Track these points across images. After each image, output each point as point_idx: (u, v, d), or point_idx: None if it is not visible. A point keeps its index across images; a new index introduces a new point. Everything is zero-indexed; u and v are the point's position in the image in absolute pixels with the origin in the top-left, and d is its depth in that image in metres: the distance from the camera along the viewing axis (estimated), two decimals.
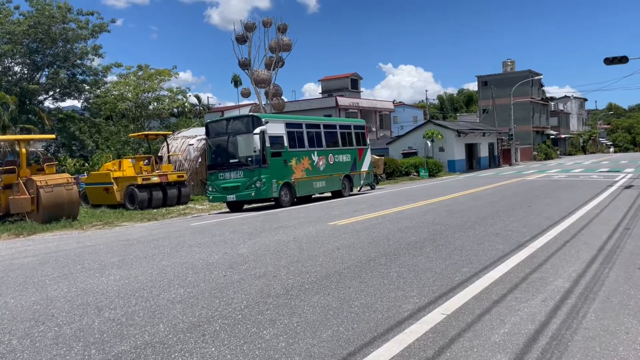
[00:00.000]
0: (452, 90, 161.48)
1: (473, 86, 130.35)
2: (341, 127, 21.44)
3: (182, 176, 20.94)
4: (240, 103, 58.39)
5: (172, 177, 20.33)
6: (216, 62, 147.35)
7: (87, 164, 29.82)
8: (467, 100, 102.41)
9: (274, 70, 29.51)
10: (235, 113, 47.47)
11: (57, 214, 14.89)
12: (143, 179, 19.29)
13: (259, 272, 6.95)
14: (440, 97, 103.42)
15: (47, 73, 33.00)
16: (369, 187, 25.44)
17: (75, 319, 5.46)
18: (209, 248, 9.17)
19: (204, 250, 8.96)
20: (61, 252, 9.72)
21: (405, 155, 39.63)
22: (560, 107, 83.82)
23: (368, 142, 23.00)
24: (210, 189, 17.52)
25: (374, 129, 54.17)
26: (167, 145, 22.98)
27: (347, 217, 12.56)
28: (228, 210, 18.15)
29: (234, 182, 16.87)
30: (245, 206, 19.02)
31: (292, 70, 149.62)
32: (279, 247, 8.78)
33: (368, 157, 22.65)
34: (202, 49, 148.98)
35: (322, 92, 60.32)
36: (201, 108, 48.64)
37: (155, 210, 18.55)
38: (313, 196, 21.27)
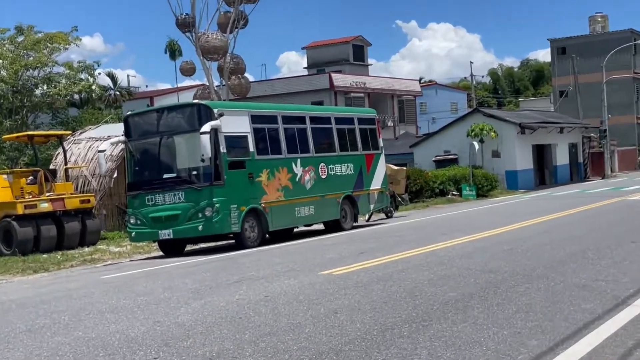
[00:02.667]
0: (512, 62, 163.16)
1: (544, 55, 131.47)
2: (339, 120, 21.60)
3: (89, 201, 20.88)
4: (181, 85, 58.60)
5: (73, 203, 20.31)
6: (141, 21, 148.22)
7: None
8: (535, 78, 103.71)
9: (232, 32, 29.72)
10: (173, 100, 47.68)
11: None
12: (26, 207, 19.24)
13: (210, 353, 6.94)
14: (493, 73, 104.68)
15: None
16: (383, 215, 25.54)
17: None
18: (131, 315, 9.14)
19: (123, 319, 8.91)
20: None
21: (440, 163, 39.90)
22: None
23: (381, 144, 23.15)
24: (132, 221, 17.55)
25: (390, 124, 54.59)
26: (65, 152, 22.99)
27: (348, 262, 12.59)
28: (161, 253, 18.11)
29: (171, 209, 16.90)
30: (189, 247, 19.02)
31: (260, 34, 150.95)
32: (242, 311, 8.77)
33: (382, 168, 22.79)
34: (119, 1, 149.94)
35: (309, 67, 60.81)
36: (118, 93, 48.76)
37: (45, 255, 18.50)
38: (296, 230, 21.32)
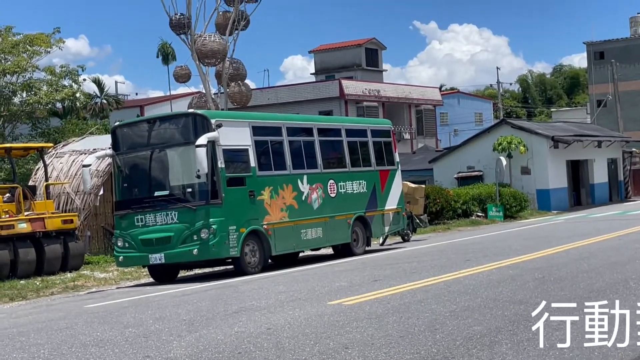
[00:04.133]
0: (544, 68, 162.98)
1: (579, 61, 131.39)
2: (350, 132, 21.65)
3: (71, 221, 20.91)
4: (174, 92, 58.80)
5: (54, 224, 20.35)
6: (131, 22, 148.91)
7: None
8: (570, 86, 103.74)
9: (231, 34, 29.85)
10: (166, 110, 47.81)
11: None
12: (2, 227, 19.29)
13: None
14: (522, 80, 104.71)
15: None
16: (399, 238, 25.48)
17: None
18: (118, 349, 9.13)
19: (109, 353, 8.91)
20: None
21: (463, 181, 39.87)
22: None
23: (397, 158, 23.17)
24: (119, 244, 17.59)
25: (407, 136, 54.66)
26: (45, 166, 23.07)
27: (360, 291, 12.57)
28: (151, 280, 18.11)
29: (162, 230, 16.95)
30: (182, 273, 19.02)
31: (262, 36, 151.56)
32: (242, 345, 8.76)
33: (398, 186, 22.82)
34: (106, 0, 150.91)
35: (316, 72, 60.96)
36: (105, 101, 48.95)
37: (23, 281, 18.54)
38: (302, 254, 21.31)
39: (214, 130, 16.81)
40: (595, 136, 45.71)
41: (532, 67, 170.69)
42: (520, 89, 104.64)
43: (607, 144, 46.08)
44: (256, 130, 18.37)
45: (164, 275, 18.00)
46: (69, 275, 19.45)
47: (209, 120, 17.07)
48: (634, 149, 50.90)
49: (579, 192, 45.09)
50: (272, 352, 8.30)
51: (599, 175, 46.01)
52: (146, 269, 18.51)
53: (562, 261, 15.25)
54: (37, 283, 18.09)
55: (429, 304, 10.78)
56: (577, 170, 44.66)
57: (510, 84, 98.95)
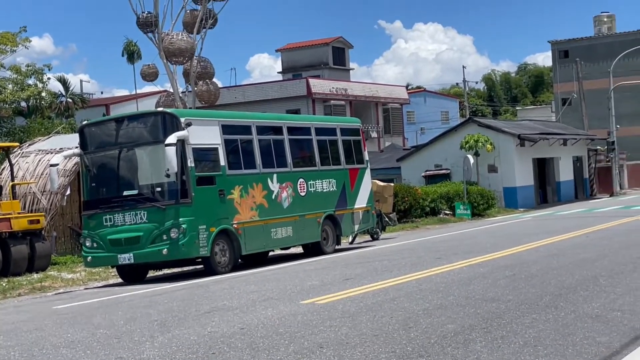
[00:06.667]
0: (509, 67, 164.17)
1: (544, 59, 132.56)
2: (320, 131, 21.66)
3: (38, 221, 20.68)
4: (140, 91, 58.44)
5: (20, 224, 20.12)
6: (96, 20, 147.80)
7: None
8: (535, 84, 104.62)
9: (199, 33, 29.72)
10: (132, 109, 47.47)
11: None
12: None
13: None
14: (487, 79, 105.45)
15: None
16: (368, 236, 25.53)
17: None
18: (90, 350, 9.05)
19: (81, 355, 8.83)
20: None
21: (430, 179, 40.05)
22: None
23: (367, 157, 23.21)
24: (87, 244, 17.46)
25: (374, 135, 54.78)
26: (11, 166, 22.79)
27: (333, 290, 12.57)
28: (120, 280, 17.98)
29: (131, 230, 16.84)
30: (152, 273, 18.92)
31: (229, 34, 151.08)
32: (215, 346, 8.71)
33: (367, 184, 22.87)
34: None
35: (283, 71, 60.90)
36: (70, 100, 48.50)
37: None
38: (271, 253, 21.27)
39: (183, 129, 16.71)
40: (560, 134, 46.17)
41: (497, 66, 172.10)
42: (485, 88, 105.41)
43: (572, 142, 46.55)
44: (226, 129, 18.30)
45: (133, 275, 17.89)
46: (35, 276, 19.23)
47: (179, 118, 16.97)
48: (598, 147, 51.44)
49: (545, 189, 45.48)
50: (247, 352, 8.26)
51: (565, 173, 46.46)
52: (115, 270, 18.36)
53: (531, 258, 15.36)
54: (4, 284, 17.87)
55: (401, 302, 10.80)
56: (543, 168, 45.05)
57: (476, 82, 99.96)
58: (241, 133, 19.00)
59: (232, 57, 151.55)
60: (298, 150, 20.88)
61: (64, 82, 50.08)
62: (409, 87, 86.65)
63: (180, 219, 16.57)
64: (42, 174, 23.48)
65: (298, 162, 20.48)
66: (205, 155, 17.54)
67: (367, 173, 22.97)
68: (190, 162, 16.79)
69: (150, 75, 30.31)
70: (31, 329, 11.12)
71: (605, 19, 70.29)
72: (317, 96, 50.92)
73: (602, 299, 10.16)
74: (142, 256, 16.81)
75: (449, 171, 40.37)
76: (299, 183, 20.06)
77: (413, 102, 64.79)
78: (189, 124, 16.87)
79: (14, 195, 21.80)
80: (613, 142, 51.05)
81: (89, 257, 17.48)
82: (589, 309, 9.55)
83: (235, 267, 17.95)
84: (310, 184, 20.47)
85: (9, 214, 20.16)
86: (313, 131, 21.24)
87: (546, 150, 43.91)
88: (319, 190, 20.80)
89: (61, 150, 21.98)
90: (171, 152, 16.05)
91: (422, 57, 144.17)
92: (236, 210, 17.91)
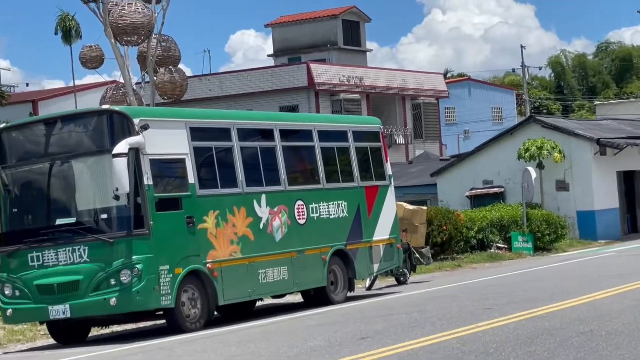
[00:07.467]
0: (584, 47, 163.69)
1: (632, 36, 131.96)
2: (325, 135, 21.70)
3: None
4: (80, 82, 58.46)
5: None
6: None
7: None
8: (620, 70, 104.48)
9: (159, 3, 29.76)
10: (69, 105, 47.40)
11: None
12: None
13: None
14: (555, 64, 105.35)
15: None
16: (392, 279, 25.44)
17: None
18: None
19: None
20: None
21: (478, 200, 39.94)
22: None
23: (390, 171, 23.21)
24: (7, 292, 17.44)
25: (400, 140, 54.77)
26: None
27: (343, 353, 12.49)
28: (53, 341, 17.94)
29: (67, 273, 16.85)
30: (95, 331, 18.86)
31: (201, 6, 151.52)
32: None
33: (390, 208, 22.90)
34: None
35: (276, 54, 60.92)
36: None
37: None
38: (259, 303, 21.23)
39: (137, 134, 16.70)
40: None
41: (568, 46, 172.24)
42: (552, 75, 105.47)
43: None
44: (196, 133, 18.29)
45: (69, 334, 17.83)
46: None
47: (131, 119, 16.95)
48: None
49: (635, 214, 45.31)
50: None
51: None
52: (45, 327, 18.32)
53: (615, 309, 15.26)
54: None
55: None
56: (632, 184, 44.87)
57: (540, 68, 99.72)
58: (217, 139, 19.03)
59: (206, 35, 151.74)
60: (295, 162, 20.91)
61: None
62: (448, 75, 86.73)
63: (134, 257, 16.54)
64: None
65: (295, 178, 20.52)
66: (167, 169, 17.59)
67: (391, 192, 22.96)
68: (148, 179, 16.76)
69: (92, 60, 30.30)
70: None
71: None
72: (322, 87, 50.97)
73: None
74: (82, 308, 16.74)
75: (502, 189, 40.30)
76: (296, 207, 20.06)
77: (453, 95, 64.86)
78: (145, 127, 16.87)
79: None
80: None
81: (9, 310, 17.40)
82: None
83: (210, 323, 17.90)
84: (312, 207, 20.47)
85: None
86: (316, 135, 21.25)
87: (637, 160, 43.75)
88: (325, 216, 20.80)
89: None
90: (121, 165, 16.05)
91: (465, 34, 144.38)
92: (210, 244, 17.89)
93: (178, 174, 17.74)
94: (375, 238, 22.10)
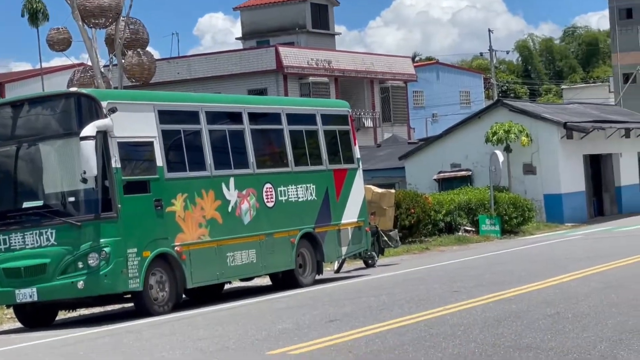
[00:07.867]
0: (551, 31, 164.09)
1: (599, 21, 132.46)
2: (294, 118, 21.69)
3: None
4: (48, 65, 58.07)
5: None
6: None
7: None
8: (587, 55, 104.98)
9: None
10: (36, 88, 47.12)
11: None
12: None
13: None
14: (523, 48, 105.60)
15: None
16: (361, 262, 25.47)
17: None
18: None
19: None
20: None
21: (446, 183, 39.99)
22: None
23: (358, 154, 23.20)
24: None
25: (368, 123, 54.76)
26: None
27: (312, 336, 12.51)
28: (20, 325, 17.87)
29: (34, 256, 16.78)
30: (62, 314, 18.78)
31: None
32: None
33: (359, 191, 22.90)
34: None
35: (245, 37, 60.77)
36: None
37: None
38: (228, 286, 21.21)
39: (105, 117, 16.63)
40: (622, 122, 46.15)
41: (535, 30, 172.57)
42: (520, 59, 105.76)
43: (638, 132, 46.55)
44: (164, 116, 18.24)
45: (36, 318, 17.76)
46: None
47: (99, 102, 16.87)
48: None
49: (601, 197, 45.47)
50: None
51: (628, 174, 46.37)
52: (11, 310, 18.25)
53: (581, 292, 15.34)
54: None
55: (405, 352, 10.74)
56: (598, 168, 45.03)
57: (507, 52, 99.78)
58: (185, 122, 18.97)
59: (174, 18, 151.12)
60: (264, 145, 20.88)
61: None
62: (417, 59, 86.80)
63: (102, 240, 16.49)
64: None
65: (264, 162, 20.49)
66: (135, 152, 17.51)
67: (359, 176, 22.98)
68: (115, 162, 16.70)
69: (60, 43, 30.14)
70: None
71: None
72: (291, 70, 50.87)
73: None
74: (50, 292, 16.67)
75: (470, 173, 40.38)
76: (265, 190, 20.04)
77: (422, 78, 64.84)
78: (113, 110, 16.80)
79: None
80: None
81: None
82: None
83: (179, 306, 17.88)
84: (281, 191, 20.46)
85: None
86: (284, 118, 21.21)
87: (602, 144, 43.89)
88: (293, 199, 20.79)
89: None
90: (88, 148, 15.98)
91: (433, 18, 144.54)
92: (179, 227, 17.85)
93: (146, 157, 17.67)
94: (343, 221, 22.12)
